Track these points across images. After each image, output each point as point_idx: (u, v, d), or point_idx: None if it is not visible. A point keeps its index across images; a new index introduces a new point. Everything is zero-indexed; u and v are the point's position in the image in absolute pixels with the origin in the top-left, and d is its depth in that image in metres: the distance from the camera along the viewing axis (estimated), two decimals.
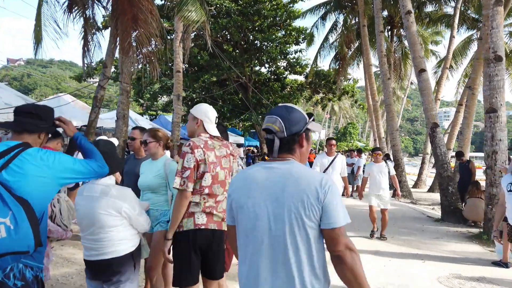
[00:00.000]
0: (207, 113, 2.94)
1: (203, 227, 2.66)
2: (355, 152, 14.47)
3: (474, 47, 20.34)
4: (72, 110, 10.98)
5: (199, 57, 19.29)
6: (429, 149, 18.41)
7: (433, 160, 19.53)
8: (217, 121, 3.07)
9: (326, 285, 1.57)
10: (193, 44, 21.05)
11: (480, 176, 10.86)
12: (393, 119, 14.07)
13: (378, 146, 19.02)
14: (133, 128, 3.94)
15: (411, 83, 40.98)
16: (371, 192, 7.22)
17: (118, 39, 8.56)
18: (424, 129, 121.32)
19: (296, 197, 1.51)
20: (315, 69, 24.11)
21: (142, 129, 3.88)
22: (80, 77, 22.92)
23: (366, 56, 17.26)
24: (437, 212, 11.55)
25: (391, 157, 14.51)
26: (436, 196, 15.85)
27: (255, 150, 25.80)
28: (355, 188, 13.85)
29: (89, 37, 9.32)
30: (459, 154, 10.09)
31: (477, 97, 12.37)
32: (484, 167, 7.63)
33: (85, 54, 9.19)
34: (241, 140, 22.40)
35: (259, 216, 1.57)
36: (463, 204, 9.18)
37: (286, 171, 1.58)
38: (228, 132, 17.47)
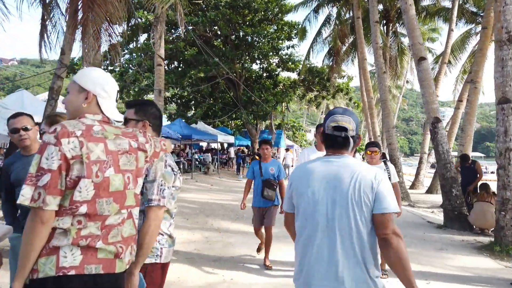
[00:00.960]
0: (103, 84, 1.82)
1: (72, 272, 1.54)
2: None
3: (473, 41, 19.40)
4: (37, 105, 9.85)
5: (185, 52, 18.15)
6: (427, 148, 17.39)
7: (431, 160, 18.61)
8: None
9: (376, 261, 1.74)
10: (172, 36, 19.96)
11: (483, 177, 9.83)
12: (389, 115, 13.02)
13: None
14: (17, 115, 2.76)
15: (407, 82, 39.98)
16: None
17: (78, 21, 7.48)
18: (420, 129, 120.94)
19: (353, 186, 1.70)
20: (308, 65, 23.06)
21: (31, 116, 2.76)
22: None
23: (361, 50, 16.21)
24: (438, 217, 10.50)
25: (387, 156, 13.46)
26: (435, 198, 14.82)
27: (246, 150, 24.67)
28: None
29: (48, 22, 8.21)
30: (465, 158, 9.01)
31: (479, 91, 11.36)
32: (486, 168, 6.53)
33: (42, 42, 8.06)
34: (231, 139, 21.26)
35: (318, 202, 1.76)
36: (467, 208, 8.13)
37: (343, 164, 1.78)
38: (218, 131, 16.27)
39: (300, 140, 44.06)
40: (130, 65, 19.25)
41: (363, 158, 13.20)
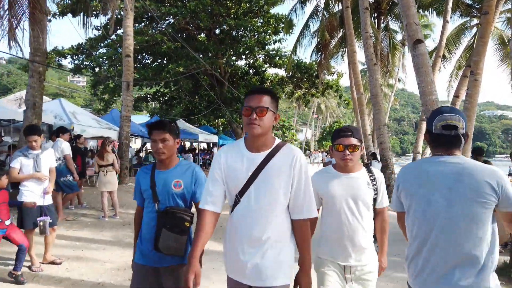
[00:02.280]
0: None
1: None
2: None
3: (468, 35, 18.25)
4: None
5: (163, 45, 16.68)
6: (420, 147, 16.12)
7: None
8: None
9: (495, 257, 1.73)
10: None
11: None
12: (380, 112, 11.69)
13: (363, 144, 16.69)
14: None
15: (399, 80, 38.82)
16: None
17: None
18: (411, 129, 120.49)
19: (475, 186, 1.65)
20: (296, 61, 21.70)
21: None
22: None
23: (350, 42, 14.86)
24: None
25: (378, 156, 12.14)
26: None
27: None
28: None
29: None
30: (478, 152, 7.59)
31: (480, 83, 10.03)
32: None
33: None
34: (214, 139, 19.83)
35: (431, 203, 1.73)
36: None
37: (458, 165, 1.72)
38: (201, 130, 15.00)
39: (290, 140, 42.72)
40: (102, 59, 17.70)
41: (328, 154, 11.55)
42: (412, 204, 1.80)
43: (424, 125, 16.31)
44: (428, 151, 16.90)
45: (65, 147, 7.23)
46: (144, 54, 19.56)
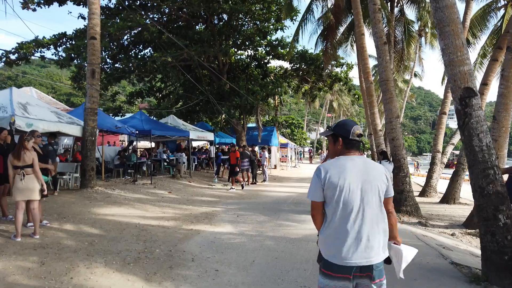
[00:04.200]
0: None
1: None
2: None
3: (495, 17, 15.70)
4: None
5: (145, 33, 14.70)
6: (440, 145, 13.69)
7: (446, 160, 14.87)
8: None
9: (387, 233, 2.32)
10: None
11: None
12: (392, 101, 9.41)
13: (372, 142, 14.37)
14: None
15: (415, 75, 35.95)
16: None
17: None
18: (428, 128, 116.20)
19: (378, 177, 2.27)
20: (300, 50, 19.52)
21: None
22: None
23: (357, 23, 12.56)
24: (462, 244, 6.93)
25: (389, 155, 9.88)
26: (453, 210, 11.11)
27: (226, 149, 21.14)
28: None
29: None
30: (384, 155, 5.77)
31: None
32: None
33: None
34: (210, 136, 17.79)
35: (353, 191, 2.20)
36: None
37: (365, 161, 2.32)
38: (194, 127, 12.84)
39: (299, 139, 40.35)
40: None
41: None
42: (335, 192, 2.22)
43: (445, 119, 13.88)
44: (448, 149, 14.44)
45: None
46: (130, 44, 17.66)
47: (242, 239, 6.38)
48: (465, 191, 11.66)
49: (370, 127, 14.29)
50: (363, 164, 2.27)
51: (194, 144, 25.41)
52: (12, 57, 16.67)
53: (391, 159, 9.64)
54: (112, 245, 5.66)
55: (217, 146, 20.42)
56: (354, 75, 23.09)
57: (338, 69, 20.95)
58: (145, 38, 14.81)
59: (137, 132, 13.44)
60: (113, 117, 18.09)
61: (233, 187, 13.80)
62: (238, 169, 14.56)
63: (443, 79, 17.06)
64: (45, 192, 6.04)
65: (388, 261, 2.37)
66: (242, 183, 14.18)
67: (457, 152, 28.28)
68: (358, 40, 12.96)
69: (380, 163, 9.64)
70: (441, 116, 13.55)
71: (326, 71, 20.04)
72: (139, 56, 16.04)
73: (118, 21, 14.67)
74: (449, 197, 11.89)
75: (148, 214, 8.22)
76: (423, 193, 13.58)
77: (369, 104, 12.94)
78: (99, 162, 14.37)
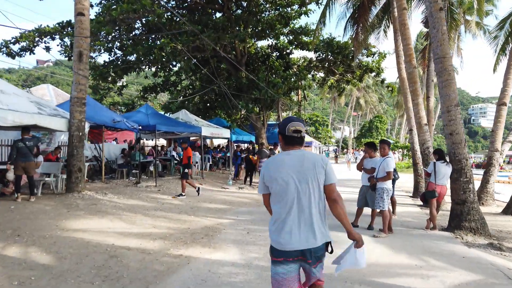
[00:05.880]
0: None
1: None
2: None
3: None
4: None
5: (149, 17, 12.89)
6: (499, 142, 11.18)
7: (502, 161, 12.30)
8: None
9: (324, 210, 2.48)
10: None
11: None
12: (450, 84, 7.13)
13: (414, 139, 12.00)
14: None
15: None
16: None
17: None
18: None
19: (311, 168, 2.40)
20: (327, 38, 17.31)
21: None
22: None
23: None
24: None
25: (447, 157, 7.58)
26: None
27: (243, 147, 19.10)
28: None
29: None
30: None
31: None
32: None
33: None
34: (225, 133, 15.85)
35: (289, 183, 2.38)
36: None
37: (300, 154, 2.45)
38: (208, 123, 10.67)
39: (324, 137, 37.85)
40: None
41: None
42: (276, 186, 2.41)
43: (504, 111, 11.37)
44: (505, 148, 11.89)
45: None
46: (141, 33, 15.94)
47: (248, 275, 4.35)
48: None
49: (411, 121, 11.91)
50: (298, 157, 2.43)
51: (216, 142, 23.58)
52: (15, 48, 15.30)
53: (448, 160, 7.36)
54: (53, 287, 3.76)
55: (237, 145, 18.45)
56: (387, 65, 20.73)
57: (369, 59, 18.58)
58: (152, 22, 12.99)
59: (139, 127, 11.66)
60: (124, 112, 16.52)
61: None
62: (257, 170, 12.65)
63: (495, 66, 14.42)
64: None
65: (329, 250, 2.48)
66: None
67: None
68: (399, 16, 10.62)
69: (435, 164, 7.39)
70: (500, 107, 11.03)
71: (356, 60, 17.69)
72: (146, 45, 14.26)
73: (122, 4, 12.94)
74: None
75: (132, 229, 6.31)
76: (478, 200, 11.07)
77: (412, 93, 10.57)
78: (99, 162, 12.73)
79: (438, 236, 6.79)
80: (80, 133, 8.71)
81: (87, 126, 9.35)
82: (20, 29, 15.83)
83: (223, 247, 5.53)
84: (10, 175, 7.64)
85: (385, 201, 6.52)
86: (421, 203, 9.87)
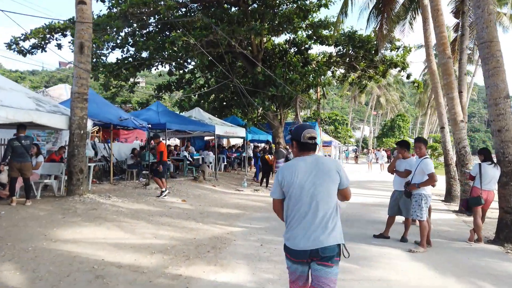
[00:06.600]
0: None
1: None
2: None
3: None
4: None
5: (160, 7, 12.13)
6: None
7: None
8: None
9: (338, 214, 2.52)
10: None
11: None
12: (499, 73, 6.05)
13: (446, 137, 10.83)
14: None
15: (478, 64, 30.91)
16: None
17: None
18: (483, 126, 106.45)
19: (326, 172, 2.45)
20: (348, 31, 16.24)
21: None
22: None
23: None
24: None
25: (494, 157, 6.48)
26: None
27: (261, 147, 18.17)
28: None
29: None
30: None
31: None
32: None
33: None
34: (241, 132, 15.01)
35: (304, 187, 2.43)
36: None
37: (315, 159, 2.50)
38: (222, 122, 9.71)
39: (343, 136, 36.52)
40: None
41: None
42: (290, 190, 2.47)
43: None
44: None
45: None
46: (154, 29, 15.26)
47: None
48: None
49: (442, 118, 10.75)
50: (313, 162, 2.48)
51: (233, 142, 22.81)
52: (26, 45, 14.87)
53: (495, 161, 6.27)
54: None
55: (256, 145, 17.55)
56: (412, 60, 19.43)
57: (393, 53, 17.37)
58: (163, 14, 12.24)
59: (149, 125, 10.93)
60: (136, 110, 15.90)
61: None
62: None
63: None
64: None
65: (345, 255, 2.48)
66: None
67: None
68: (431, 1, 9.49)
69: (480, 166, 6.30)
70: None
71: (379, 55, 16.54)
72: (157, 39, 13.53)
73: None
74: None
75: (130, 240, 5.52)
76: None
77: (447, 85, 9.43)
78: (107, 162, 12.09)
79: (486, 251, 5.73)
80: (82, 131, 8.02)
81: (90, 124, 8.68)
82: (37, 17, 15.36)
83: (232, 264, 4.65)
84: (3, 177, 6.98)
85: (424, 210, 5.51)
86: (460, 209, 8.76)
